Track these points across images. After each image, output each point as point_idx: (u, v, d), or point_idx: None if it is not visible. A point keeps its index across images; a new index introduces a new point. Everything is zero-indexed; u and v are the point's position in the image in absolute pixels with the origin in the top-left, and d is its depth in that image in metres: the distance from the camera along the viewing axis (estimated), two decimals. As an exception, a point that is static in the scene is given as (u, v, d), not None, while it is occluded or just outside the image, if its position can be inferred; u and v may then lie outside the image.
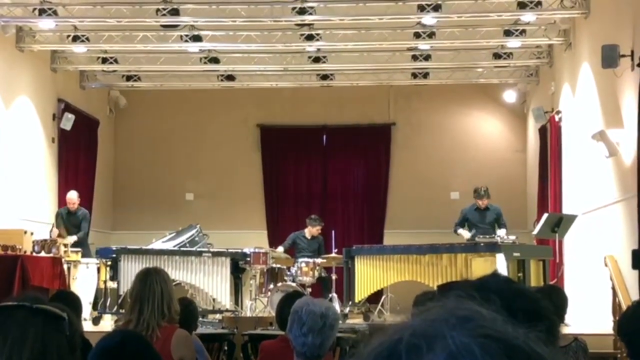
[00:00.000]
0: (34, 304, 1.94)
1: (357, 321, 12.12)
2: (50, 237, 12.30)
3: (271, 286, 12.55)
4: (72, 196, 13.81)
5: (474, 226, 13.11)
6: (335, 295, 12.77)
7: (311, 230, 14.02)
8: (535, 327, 0.93)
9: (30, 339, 1.89)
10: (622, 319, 4.10)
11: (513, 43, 14.41)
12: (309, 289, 12.51)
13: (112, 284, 12.27)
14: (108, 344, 3.00)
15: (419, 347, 0.85)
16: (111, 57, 15.43)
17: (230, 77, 16.49)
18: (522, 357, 0.84)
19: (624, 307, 7.39)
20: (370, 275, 12.40)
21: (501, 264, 10.79)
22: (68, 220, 13.63)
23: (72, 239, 13.14)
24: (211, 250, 12.93)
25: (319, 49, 14.85)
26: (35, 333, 1.89)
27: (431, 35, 13.82)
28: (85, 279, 12.47)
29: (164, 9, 12.74)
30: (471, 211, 13.43)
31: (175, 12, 12.84)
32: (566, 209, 13.16)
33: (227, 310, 12.36)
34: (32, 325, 1.90)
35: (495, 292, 1.92)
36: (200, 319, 9.19)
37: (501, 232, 12.07)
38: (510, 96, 17.29)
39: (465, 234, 12.95)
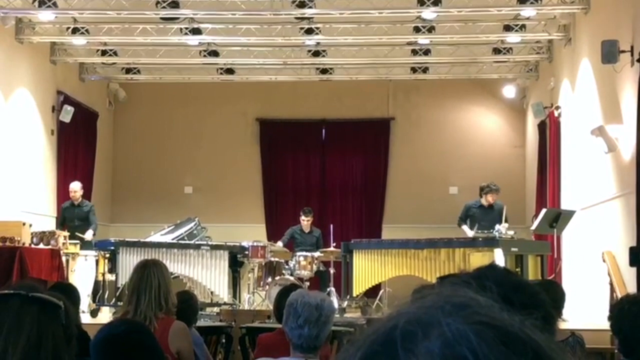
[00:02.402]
0: (30, 292, 1.94)
1: (355, 315, 12.13)
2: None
3: (269, 280, 12.56)
4: (75, 187, 13.74)
5: (476, 223, 13.06)
6: (333, 289, 12.76)
7: (302, 222, 14.09)
8: (532, 315, 0.92)
9: (26, 328, 1.88)
10: (617, 316, 4.09)
11: (513, 38, 14.39)
12: (307, 283, 12.52)
13: (110, 277, 12.27)
14: (112, 332, 2.98)
15: (414, 333, 0.85)
16: (110, 50, 15.42)
17: (230, 71, 16.48)
18: (518, 344, 0.84)
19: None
20: (368, 269, 12.41)
21: (499, 259, 10.79)
22: (73, 213, 13.62)
23: (89, 234, 13.17)
24: (209, 243, 12.93)
25: (318, 43, 14.84)
26: (31, 321, 1.89)
27: (431, 29, 13.81)
28: (83, 272, 12.46)
29: (164, 2, 12.73)
30: (475, 207, 13.39)
31: (174, 5, 12.82)
32: (564, 205, 13.16)
33: (225, 304, 12.37)
34: (27, 313, 1.90)
35: (493, 284, 1.92)
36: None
37: (502, 227, 12.02)
38: (509, 91, 17.27)
39: (468, 231, 12.89)
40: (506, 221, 12.66)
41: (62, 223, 13.54)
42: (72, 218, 13.58)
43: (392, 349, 0.85)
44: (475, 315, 0.86)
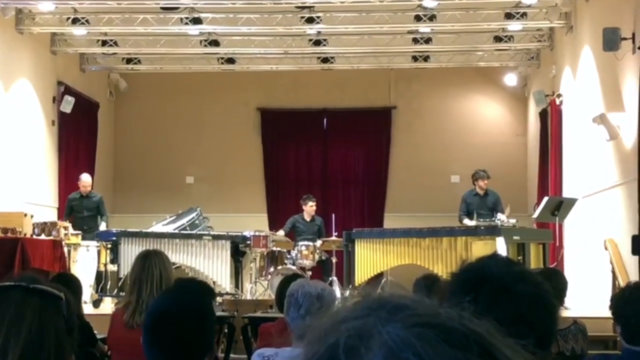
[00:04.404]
0: (31, 284, 1.93)
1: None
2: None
3: (271, 269, 12.56)
4: (87, 179, 13.77)
5: (474, 212, 13.08)
6: (335, 278, 12.77)
7: (307, 210, 14.03)
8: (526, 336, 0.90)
9: (28, 319, 1.88)
10: (619, 301, 4.09)
11: (514, 26, 14.35)
12: (309, 272, 12.52)
13: (112, 267, 12.28)
14: (166, 308, 2.91)
15: (356, 348, 0.83)
16: (111, 40, 15.38)
17: (231, 60, 16.45)
18: (460, 339, 0.82)
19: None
20: (370, 258, 12.40)
21: (501, 248, 10.78)
22: (82, 204, 13.63)
23: (103, 226, 13.20)
24: (211, 233, 12.93)
25: (319, 32, 14.80)
26: (32, 313, 1.88)
27: (432, 18, 13.77)
28: (85, 262, 12.47)
29: (164, -9, 12.71)
30: (470, 196, 13.42)
31: (175, -5, 12.79)
32: (566, 193, 13.16)
33: (227, 293, 12.37)
34: (29, 305, 1.89)
35: (495, 275, 1.91)
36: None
37: (502, 216, 12.03)
38: (511, 79, 17.25)
39: (470, 223, 12.87)
40: (502, 211, 12.67)
41: (69, 214, 13.54)
42: (80, 209, 13.60)
43: None
44: (412, 317, 0.84)
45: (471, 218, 12.86)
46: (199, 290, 3.15)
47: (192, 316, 2.87)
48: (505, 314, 1.64)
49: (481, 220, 12.31)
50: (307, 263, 12.79)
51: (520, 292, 1.88)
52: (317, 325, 0.89)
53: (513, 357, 0.84)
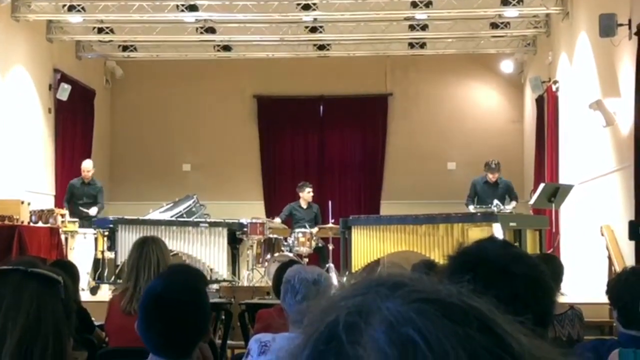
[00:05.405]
0: (29, 267, 1.93)
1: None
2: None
3: (268, 256, 12.56)
4: (88, 166, 13.71)
5: (481, 200, 13.04)
6: (332, 265, 12.78)
7: (304, 197, 14.02)
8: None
9: (26, 303, 1.88)
10: (616, 286, 4.11)
11: (510, 12, 14.32)
12: (306, 259, 12.51)
13: (109, 254, 12.29)
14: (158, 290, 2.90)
15: (356, 324, 0.83)
16: (107, 27, 15.35)
17: (227, 47, 16.42)
18: (460, 314, 0.83)
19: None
20: (367, 245, 12.42)
21: (498, 234, 10.80)
22: (83, 191, 13.61)
23: (94, 210, 13.17)
24: (208, 220, 12.94)
25: (315, 19, 14.78)
26: (30, 297, 1.89)
27: (428, 4, 13.75)
28: (82, 249, 12.47)
29: (160, -22, 12.67)
30: (480, 183, 13.38)
31: (171, -18, 12.75)
32: (563, 179, 13.17)
33: (224, 280, 12.39)
34: (27, 289, 1.90)
35: (492, 257, 1.92)
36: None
37: (511, 205, 12.00)
38: (507, 66, 17.23)
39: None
40: (515, 199, 12.65)
41: (69, 200, 13.53)
42: (81, 196, 13.58)
43: (337, 345, 0.83)
44: (412, 293, 0.84)
45: (476, 203, 12.81)
46: (191, 275, 3.16)
47: (186, 299, 2.88)
48: (502, 295, 1.65)
49: (483, 207, 12.29)
50: (304, 250, 12.79)
51: (517, 274, 1.89)
52: (316, 306, 0.90)
53: (512, 333, 0.84)
